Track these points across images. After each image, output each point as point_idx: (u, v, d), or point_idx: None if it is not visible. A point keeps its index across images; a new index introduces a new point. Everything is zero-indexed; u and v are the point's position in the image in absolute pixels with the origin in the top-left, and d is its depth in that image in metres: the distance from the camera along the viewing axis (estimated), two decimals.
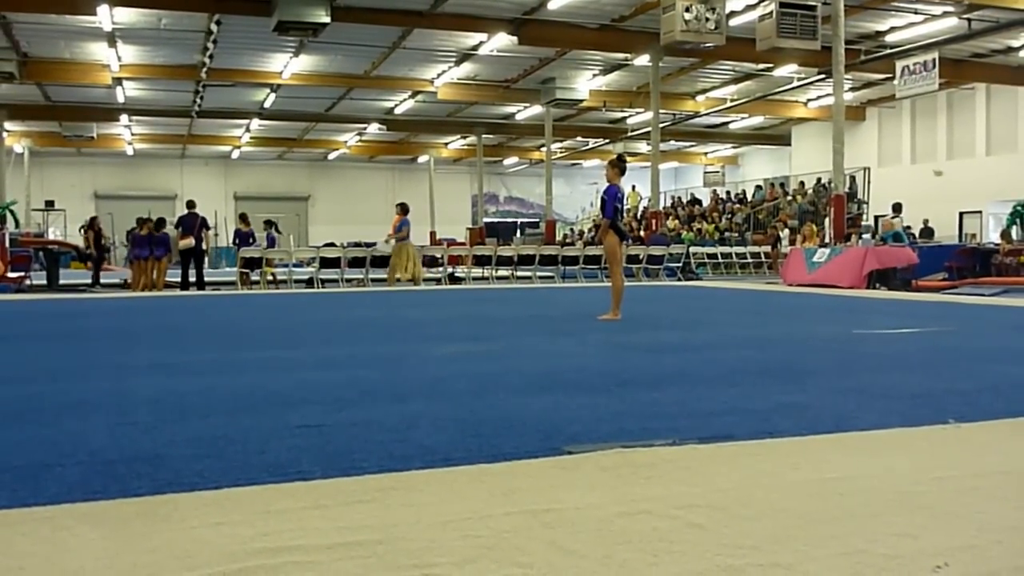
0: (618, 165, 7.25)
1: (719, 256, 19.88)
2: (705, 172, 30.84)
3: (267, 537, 1.83)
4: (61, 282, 13.96)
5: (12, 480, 2.30)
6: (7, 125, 24.89)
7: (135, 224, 13.98)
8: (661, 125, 19.02)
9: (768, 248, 19.90)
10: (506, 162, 34.38)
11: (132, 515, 1.99)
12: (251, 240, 14.60)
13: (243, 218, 14.99)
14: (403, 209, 13.75)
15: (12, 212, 22.92)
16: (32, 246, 16.21)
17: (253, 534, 1.84)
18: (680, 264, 16.70)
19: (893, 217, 14.86)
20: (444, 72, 19.98)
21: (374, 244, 17.32)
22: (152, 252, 13.52)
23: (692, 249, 18.71)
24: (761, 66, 19.38)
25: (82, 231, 18.10)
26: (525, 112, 24.41)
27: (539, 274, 15.87)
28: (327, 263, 14.51)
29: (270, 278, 14.19)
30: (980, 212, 21.06)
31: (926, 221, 19.75)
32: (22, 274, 13.72)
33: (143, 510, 2.02)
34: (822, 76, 17.53)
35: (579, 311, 8.56)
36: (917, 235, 18.33)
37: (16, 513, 2.01)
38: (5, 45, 16.84)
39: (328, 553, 1.73)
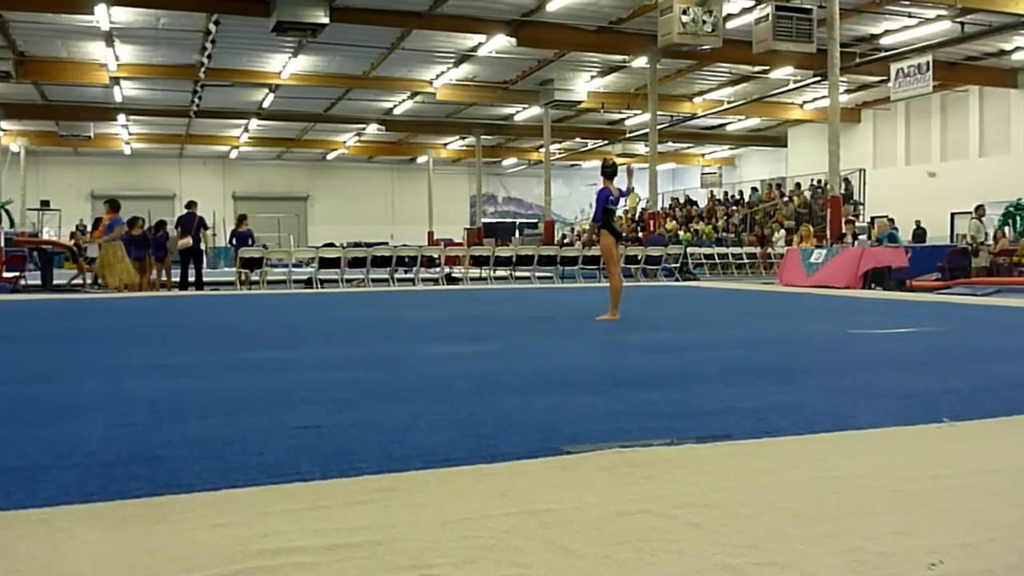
0: (605, 170, 7.34)
1: (716, 257, 19.93)
2: (702, 173, 30.89)
3: (266, 538, 1.83)
4: (56, 282, 13.92)
5: (8, 482, 2.30)
6: (3, 124, 24.85)
7: (128, 225, 13.92)
8: (659, 127, 19.06)
9: (759, 248, 19.93)
10: (505, 163, 34.39)
11: (130, 517, 1.98)
12: (250, 240, 14.57)
13: (242, 219, 14.95)
14: (114, 207, 12.59)
15: (7, 211, 22.88)
16: (27, 246, 16.16)
17: (252, 535, 1.85)
18: (678, 265, 16.74)
19: (974, 218, 14.70)
20: (443, 73, 19.98)
21: (374, 244, 17.29)
22: (148, 252, 13.49)
23: (689, 250, 18.76)
24: (757, 68, 19.42)
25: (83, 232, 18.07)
26: (524, 113, 24.42)
27: (537, 274, 15.88)
28: (326, 263, 14.50)
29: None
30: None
31: (918, 222, 19.83)
32: (17, 274, 13.68)
33: (141, 512, 2.02)
34: (818, 78, 17.58)
35: (577, 311, 8.56)
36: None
37: (12, 515, 2.00)
38: (2, 44, 16.79)
39: (327, 554, 1.74)
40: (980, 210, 14.88)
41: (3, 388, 3.93)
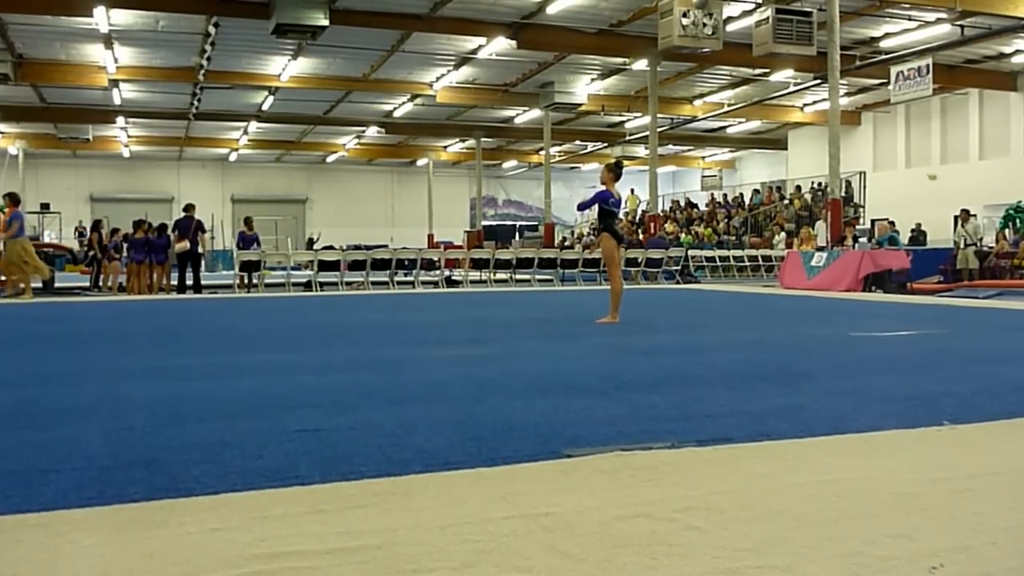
0: (614, 170, 7.30)
1: (717, 260, 19.93)
2: (703, 176, 30.92)
3: (265, 543, 1.82)
4: (56, 285, 13.92)
5: (6, 486, 2.29)
6: (2, 127, 24.87)
7: (132, 227, 13.95)
8: (659, 129, 19.06)
9: (767, 251, 19.89)
10: (505, 165, 34.42)
11: (128, 521, 1.98)
12: (255, 244, 14.56)
13: (247, 222, 14.95)
14: (13, 200, 12.00)
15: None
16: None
17: (251, 540, 1.84)
18: (678, 267, 16.74)
19: (962, 222, 14.77)
20: (443, 75, 20.00)
21: (373, 247, 17.28)
22: (149, 256, 13.49)
23: (690, 252, 18.76)
24: (758, 71, 19.44)
25: (82, 234, 18.06)
26: (524, 116, 24.45)
27: (538, 277, 15.88)
28: (325, 266, 14.50)
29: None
30: (973, 216, 21.11)
31: (918, 225, 19.83)
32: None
33: (139, 516, 2.01)
34: (818, 81, 17.61)
35: (578, 314, 8.56)
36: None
37: (10, 520, 1.99)
38: (1, 46, 16.81)
39: (326, 558, 1.73)
40: (964, 214, 15.04)
41: (1, 392, 3.92)
